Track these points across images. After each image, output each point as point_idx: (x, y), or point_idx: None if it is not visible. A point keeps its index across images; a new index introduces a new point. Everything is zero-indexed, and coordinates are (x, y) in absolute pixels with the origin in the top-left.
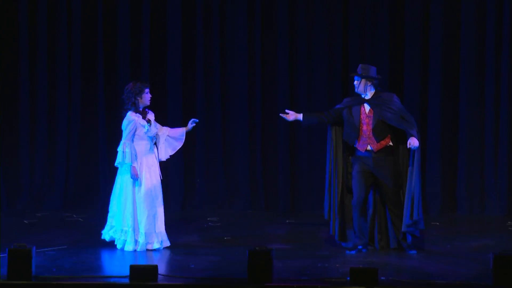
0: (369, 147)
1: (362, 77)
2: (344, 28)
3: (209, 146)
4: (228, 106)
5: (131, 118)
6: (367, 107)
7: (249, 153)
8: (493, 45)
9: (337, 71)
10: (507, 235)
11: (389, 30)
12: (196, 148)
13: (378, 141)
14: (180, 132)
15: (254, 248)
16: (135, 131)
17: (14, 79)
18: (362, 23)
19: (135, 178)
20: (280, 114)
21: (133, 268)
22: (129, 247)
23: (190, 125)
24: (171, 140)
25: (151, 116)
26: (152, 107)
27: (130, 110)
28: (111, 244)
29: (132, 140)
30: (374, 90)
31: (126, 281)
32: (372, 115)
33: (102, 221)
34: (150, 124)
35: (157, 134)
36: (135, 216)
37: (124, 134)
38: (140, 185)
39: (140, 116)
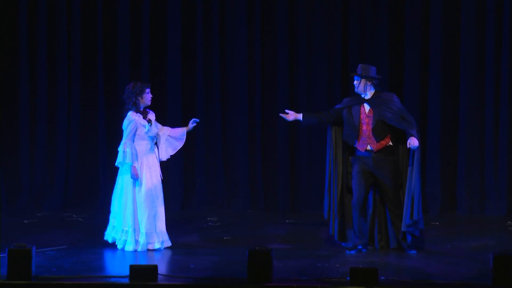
0: (369, 147)
1: (362, 77)
2: (344, 28)
3: (209, 146)
4: (228, 106)
5: (132, 118)
6: (367, 107)
7: (249, 153)
8: (493, 45)
9: (337, 71)
10: (507, 235)
11: (389, 30)
12: (196, 148)
13: (378, 141)
14: (181, 132)
15: (254, 248)
16: (136, 131)
17: (14, 79)
18: (362, 23)
19: (135, 178)
20: (280, 114)
21: (133, 268)
22: (129, 247)
23: (191, 125)
24: (171, 140)
25: (152, 116)
26: (152, 107)
27: (131, 110)
28: (111, 244)
29: (133, 140)
30: (374, 90)
31: (126, 281)
32: (372, 115)
33: (102, 221)
34: (151, 124)
35: (157, 134)
36: (136, 216)
37: (125, 134)
38: (141, 185)
39: (141, 116)
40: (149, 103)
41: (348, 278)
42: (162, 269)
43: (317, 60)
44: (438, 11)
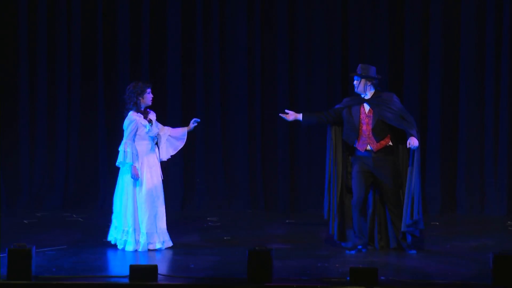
0: (368, 147)
1: (361, 77)
2: (344, 28)
3: (209, 146)
4: (228, 106)
5: (133, 118)
6: (366, 107)
7: (249, 153)
8: (493, 45)
9: (337, 71)
10: (506, 235)
11: (389, 30)
12: (196, 148)
13: (377, 141)
14: (182, 132)
15: (254, 248)
16: (137, 131)
17: (14, 79)
18: (362, 23)
19: (136, 178)
20: (279, 114)
21: (133, 268)
22: (129, 247)
23: (192, 124)
24: (172, 140)
25: (152, 116)
26: (151, 106)
27: (131, 110)
28: (111, 244)
29: (134, 140)
30: (374, 90)
31: (126, 281)
32: (371, 115)
33: (102, 221)
34: (152, 124)
35: (158, 134)
36: (136, 216)
37: (126, 133)
38: (141, 185)
39: (142, 116)
40: (150, 103)
41: (348, 278)
42: (162, 269)
43: (317, 60)
44: (438, 11)
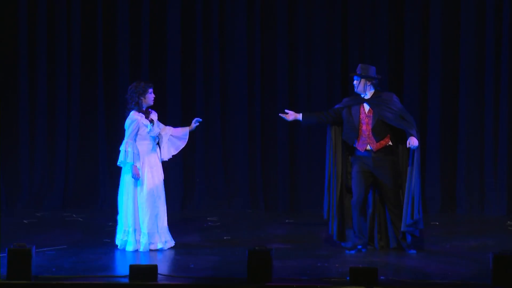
0: (368, 147)
1: (361, 77)
2: (344, 28)
3: (209, 146)
4: (228, 106)
5: (134, 118)
6: (366, 107)
7: (248, 153)
8: (493, 45)
9: (337, 71)
10: (506, 235)
11: (389, 30)
12: (196, 148)
13: (377, 141)
14: (184, 131)
15: (254, 248)
16: (138, 130)
17: (14, 79)
18: (361, 23)
19: (136, 177)
20: (279, 114)
21: (132, 268)
22: (130, 247)
23: (194, 124)
24: (174, 139)
25: (154, 116)
26: (152, 106)
27: (133, 109)
28: (111, 244)
29: (135, 140)
30: (374, 90)
31: (126, 281)
32: (371, 115)
33: (102, 221)
34: (153, 124)
35: (160, 134)
36: (136, 216)
37: (127, 133)
38: (142, 185)
39: (143, 116)
40: (151, 103)
41: (348, 278)
42: (162, 269)
43: (317, 60)
44: (438, 11)
